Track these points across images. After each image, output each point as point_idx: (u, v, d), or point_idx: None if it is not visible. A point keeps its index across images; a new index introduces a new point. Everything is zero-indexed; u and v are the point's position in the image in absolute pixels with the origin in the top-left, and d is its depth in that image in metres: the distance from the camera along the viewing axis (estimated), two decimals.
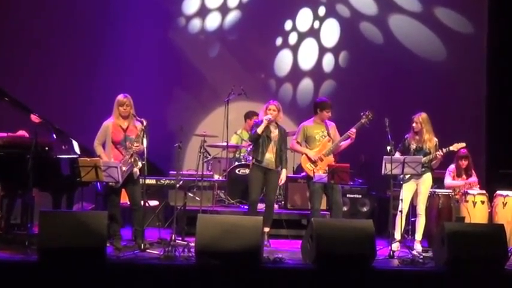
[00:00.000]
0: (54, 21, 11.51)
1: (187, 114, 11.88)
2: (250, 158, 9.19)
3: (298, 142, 9.02)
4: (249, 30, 12.14)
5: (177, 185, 8.88)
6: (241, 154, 10.63)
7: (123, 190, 8.26)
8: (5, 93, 8.57)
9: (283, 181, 8.97)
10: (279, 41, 12.23)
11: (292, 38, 12.26)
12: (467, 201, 9.32)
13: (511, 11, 11.75)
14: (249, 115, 10.87)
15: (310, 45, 12.27)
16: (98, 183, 8.62)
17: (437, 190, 9.39)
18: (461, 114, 11.87)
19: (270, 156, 8.79)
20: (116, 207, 8.22)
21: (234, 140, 10.78)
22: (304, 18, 12.26)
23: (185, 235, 8.82)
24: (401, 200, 8.67)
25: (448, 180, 9.65)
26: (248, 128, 10.66)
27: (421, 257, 8.12)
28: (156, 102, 11.46)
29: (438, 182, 9.61)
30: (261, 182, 8.81)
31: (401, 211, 8.62)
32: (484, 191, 9.52)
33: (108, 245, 7.60)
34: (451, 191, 9.42)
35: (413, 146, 8.89)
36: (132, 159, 8.08)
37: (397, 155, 8.79)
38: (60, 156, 8.45)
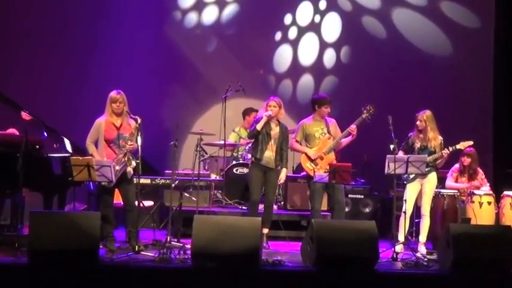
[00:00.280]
0: (45, 15, 11.51)
1: (183, 111, 11.88)
2: (249, 156, 9.19)
3: (297, 141, 9.02)
4: (247, 24, 12.14)
5: (173, 185, 8.87)
6: (239, 153, 10.63)
7: (117, 190, 8.25)
8: None
9: (282, 180, 8.97)
10: (278, 35, 12.23)
11: (292, 33, 12.26)
12: (473, 202, 9.32)
13: None
14: (247, 112, 10.88)
15: (311, 40, 12.27)
16: (91, 183, 8.63)
17: (442, 190, 9.39)
18: (467, 112, 11.86)
19: (269, 154, 8.79)
20: (109, 207, 8.21)
21: (231, 138, 10.78)
22: (305, 12, 12.25)
23: (181, 237, 8.83)
24: (405, 200, 8.67)
25: (449, 182, 9.64)
26: (246, 125, 10.67)
27: (426, 259, 8.12)
28: (151, 99, 11.46)
29: (443, 182, 9.61)
30: (262, 181, 8.81)
31: (405, 212, 8.62)
32: (490, 191, 9.52)
33: (101, 247, 7.58)
34: (456, 191, 9.42)
35: (417, 145, 8.88)
36: (126, 158, 8.07)
37: (401, 153, 8.77)
38: (52, 155, 8.45)
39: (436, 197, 9.20)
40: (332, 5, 12.24)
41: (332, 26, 12.26)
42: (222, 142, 10.06)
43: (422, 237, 8.86)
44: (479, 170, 9.70)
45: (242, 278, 7.13)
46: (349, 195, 10.45)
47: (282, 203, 10.26)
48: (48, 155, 8.42)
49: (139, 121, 8.07)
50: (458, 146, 8.83)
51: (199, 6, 12.14)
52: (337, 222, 8.16)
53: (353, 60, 12.20)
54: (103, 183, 7.98)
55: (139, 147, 8.02)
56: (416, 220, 9.25)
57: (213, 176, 10.38)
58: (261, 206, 8.96)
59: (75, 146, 8.87)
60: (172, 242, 8.31)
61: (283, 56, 12.25)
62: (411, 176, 8.78)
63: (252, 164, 8.85)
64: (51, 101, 11.03)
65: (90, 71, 11.37)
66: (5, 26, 11.41)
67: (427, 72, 11.95)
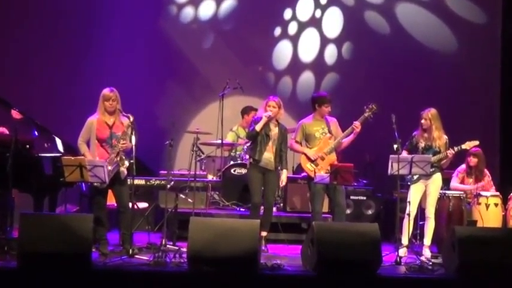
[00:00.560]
0: (37, 11, 11.49)
1: (179, 109, 11.88)
2: (247, 157, 9.19)
3: (297, 141, 9.01)
4: (246, 19, 12.13)
5: (168, 186, 8.87)
6: (237, 153, 10.62)
7: (110, 191, 8.25)
8: None
9: (283, 183, 8.97)
10: (277, 31, 12.23)
11: (292, 28, 12.25)
12: (479, 204, 9.32)
13: None
14: (245, 111, 10.87)
15: (311, 35, 12.27)
16: (83, 184, 8.63)
17: (447, 192, 9.39)
18: (473, 110, 11.87)
19: (268, 155, 8.78)
20: (102, 209, 8.20)
21: (229, 138, 10.77)
22: (305, 6, 12.26)
23: (176, 240, 8.84)
24: (409, 202, 8.67)
25: (454, 183, 9.64)
26: (245, 124, 10.66)
27: (430, 263, 8.13)
28: (145, 96, 11.46)
29: (448, 182, 9.62)
30: (261, 183, 8.81)
31: (408, 214, 8.62)
32: (497, 193, 9.52)
33: (93, 250, 7.57)
34: (462, 192, 9.42)
35: (421, 144, 8.88)
36: (118, 158, 8.05)
37: (405, 153, 8.78)
38: (42, 155, 8.43)
39: (441, 199, 9.20)
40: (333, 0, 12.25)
41: (333, 21, 12.25)
42: (220, 141, 10.06)
43: (427, 240, 8.86)
44: (486, 172, 9.70)
45: (240, 283, 7.13)
46: (351, 197, 10.46)
47: (282, 204, 10.26)
48: (39, 154, 8.41)
49: (132, 119, 8.04)
50: (463, 146, 8.83)
51: (195, 1, 12.13)
52: (338, 225, 8.16)
53: (355, 56, 12.20)
54: (96, 184, 7.97)
55: (134, 147, 8.00)
56: (420, 222, 9.26)
57: (210, 177, 10.38)
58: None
59: (67, 146, 8.86)
60: (168, 245, 8.31)
61: (282, 52, 12.25)
62: (415, 177, 8.78)
63: (251, 166, 8.84)
64: (42, 99, 11.03)
65: (83, 68, 11.36)
66: None
67: (432, 69, 11.95)
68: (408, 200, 8.71)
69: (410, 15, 12.19)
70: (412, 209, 8.67)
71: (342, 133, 8.96)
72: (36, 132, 8.70)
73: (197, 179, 9.33)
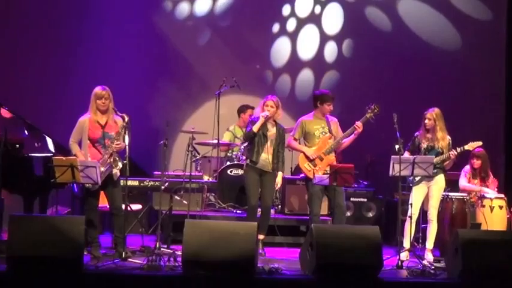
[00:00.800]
0: (27, 7, 11.48)
1: (174, 108, 11.88)
2: (244, 157, 9.18)
3: (295, 139, 8.99)
4: (243, 15, 12.13)
5: (162, 187, 8.86)
6: (234, 153, 10.63)
7: (102, 193, 8.25)
8: None
9: (278, 185, 8.95)
10: (276, 27, 12.23)
11: (291, 25, 12.26)
12: (483, 206, 9.33)
13: None
14: (242, 110, 10.88)
15: (311, 32, 12.27)
16: (75, 185, 8.62)
17: (450, 194, 9.40)
18: (477, 109, 11.89)
19: (266, 156, 8.78)
20: (94, 211, 8.20)
21: (226, 138, 10.77)
22: (304, 2, 12.26)
23: (171, 243, 8.84)
24: (411, 204, 8.68)
25: (463, 182, 9.64)
26: (242, 123, 10.67)
27: (433, 267, 8.12)
28: (139, 95, 11.47)
29: (451, 184, 9.60)
30: (259, 185, 8.80)
31: (410, 217, 8.63)
32: (502, 195, 9.52)
33: (85, 253, 7.58)
34: (465, 194, 9.43)
35: (424, 145, 8.89)
36: (112, 159, 8.05)
37: (406, 154, 8.79)
38: (33, 155, 8.44)
39: (444, 201, 9.21)
40: None
41: (333, 18, 12.26)
42: (216, 141, 10.05)
43: (429, 243, 8.87)
44: (491, 174, 9.70)
45: (236, 287, 7.12)
46: (351, 199, 10.48)
47: (279, 206, 10.26)
48: (29, 154, 8.42)
49: (126, 119, 8.05)
50: (466, 147, 8.84)
51: None
52: (338, 228, 8.15)
53: (355, 54, 12.21)
54: (88, 185, 7.98)
55: (127, 147, 8.00)
56: (422, 225, 9.27)
57: (206, 178, 10.37)
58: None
59: (58, 146, 8.87)
60: (162, 249, 8.29)
61: (281, 50, 12.25)
62: (417, 178, 8.79)
63: (247, 167, 8.83)
64: (33, 98, 11.03)
65: (75, 66, 11.35)
66: None
67: (435, 67, 11.96)
68: (410, 202, 8.71)
69: (412, 12, 12.20)
70: (414, 211, 8.68)
71: (342, 134, 8.94)
72: (26, 132, 8.71)
73: (192, 180, 9.32)
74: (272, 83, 12.19)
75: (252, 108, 10.38)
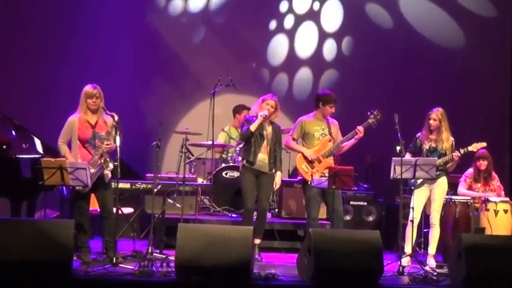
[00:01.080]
0: (17, 5, 11.48)
1: (167, 108, 11.88)
2: (240, 158, 9.17)
3: (294, 138, 8.97)
4: (239, 12, 12.14)
5: (155, 190, 8.85)
6: (229, 154, 10.62)
7: (93, 195, 8.24)
8: None
9: (277, 186, 8.94)
10: (273, 24, 12.24)
11: (288, 21, 12.27)
12: (488, 210, 9.31)
13: None
14: (238, 110, 10.87)
15: (309, 29, 12.28)
16: (64, 188, 8.60)
17: (453, 197, 9.39)
18: (482, 109, 11.90)
19: (263, 157, 8.77)
20: (84, 215, 8.19)
21: (220, 138, 10.77)
22: None
23: (164, 247, 8.82)
24: (413, 208, 8.67)
25: (461, 189, 9.63)
26: (237, 124, 10.66)
27: (435, 273, 8.13)
28: (131, 94, 11.47)
29: (454, 187, 9.62)
30: (255, 187, 8.79)
31: (412, 221, 8.63)
32: (507, 198, 9.52)
33: (74, 258, 7.57)
34: (469, 197, 9.42)
35: (426, 146, 8.89)
36: (102, 160, 8.04)
37: (408, 156, 8.78)
38: (20, 156, 8.42)
39: (447, 204, 9.20)
40: None
41: (332, 14, 12.27)
42: (210, 142, 10.06)
43: (432, 248, 8.88)
44: (495, 176, 9.70)
45: None
46: (351, 202, 10.46)
47: (276, 210, 10.26)
48: (17, 156, 8.40)
49: (116, 118, 8.02)
50: (470, 148, 8.84)
51: None
52: (337, 232, 8.15)
53: (355, 52, 12.22)
54: (77, 187, 7.97)
55: (118, 148, 7.99)
56: (424, 230, 9.26)
57: (200, 180, 10.37)
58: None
59: (47, 147, 8.85)
60: (154, 254, 8.29)
61: (278, 47, 12.26)
62: (419, 181, 8.79)
63: (244, 168, 8.82)
64: (21, 97, 11.03)
65: (64, 64, 11.34)
66: None
67: (437, 66, 11.97)
68: (412, 205, 8.69)
69: (414, 8, 12.21)
70: (415, 215, 8.68)
71: (342, 138, 8.92)
72: (13, 132, 8.69)
73: (186, 183, 9.31)
74: (269, 82, 12.19)
75: (248, 109, 10.34)
